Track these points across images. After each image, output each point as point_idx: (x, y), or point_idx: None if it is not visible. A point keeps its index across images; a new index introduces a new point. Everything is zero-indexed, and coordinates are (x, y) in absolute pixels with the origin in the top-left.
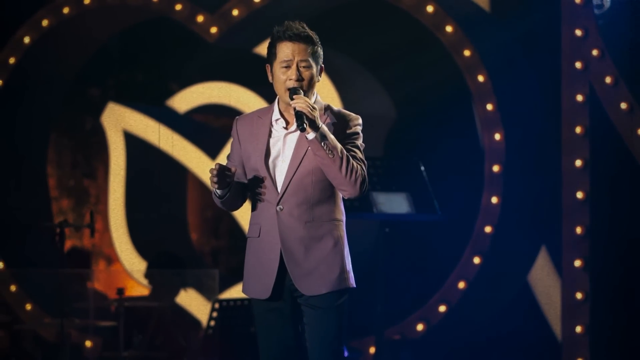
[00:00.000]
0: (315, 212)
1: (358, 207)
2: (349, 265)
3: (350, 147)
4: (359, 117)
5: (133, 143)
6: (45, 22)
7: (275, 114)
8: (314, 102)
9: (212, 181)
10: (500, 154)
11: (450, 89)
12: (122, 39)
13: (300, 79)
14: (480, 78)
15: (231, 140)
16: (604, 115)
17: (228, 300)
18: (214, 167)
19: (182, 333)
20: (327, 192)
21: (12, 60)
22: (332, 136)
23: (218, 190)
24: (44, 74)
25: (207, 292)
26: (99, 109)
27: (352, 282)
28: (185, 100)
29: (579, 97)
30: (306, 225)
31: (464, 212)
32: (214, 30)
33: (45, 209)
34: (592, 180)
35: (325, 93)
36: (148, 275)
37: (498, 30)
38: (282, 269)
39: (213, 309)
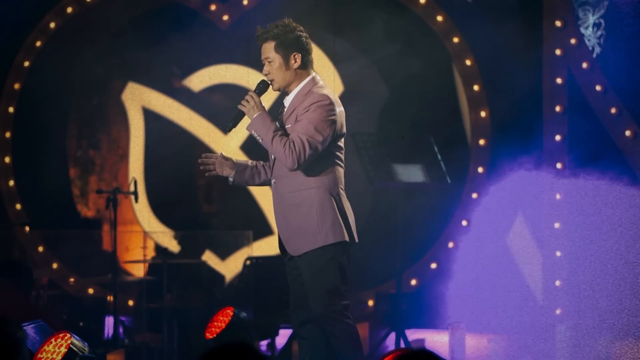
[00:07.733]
0: (294, 183)
1: (381, 176)
2: (327, 225)
3: (298, 123)
4: (324, 99)
5: (151, 118)
6: (69, 9)
7: None
8: (305, 83)
9: None
10: (486, 129)
11: (439, 72)
12: (139, 24)
13: (266, 73)
14: (468, 62)
15: None
16: (581, 96)
17: (257, 258)
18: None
19: (217, 286)
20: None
21: (38, 44)
22: (264, 124)
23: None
24: (66, 56)
25: (241, 250)
26: (106, 88)
27: (332, 238)
28: (199, 80)
29: (559, 80)
30: (287, 195)
31: (453, 181)
32: (225, 17)
33: (64, 177)
34: (570, 153)
35: (326, 73)
36: (180, 236)
37: (483, 19)
38: None
39: (245, 265)
